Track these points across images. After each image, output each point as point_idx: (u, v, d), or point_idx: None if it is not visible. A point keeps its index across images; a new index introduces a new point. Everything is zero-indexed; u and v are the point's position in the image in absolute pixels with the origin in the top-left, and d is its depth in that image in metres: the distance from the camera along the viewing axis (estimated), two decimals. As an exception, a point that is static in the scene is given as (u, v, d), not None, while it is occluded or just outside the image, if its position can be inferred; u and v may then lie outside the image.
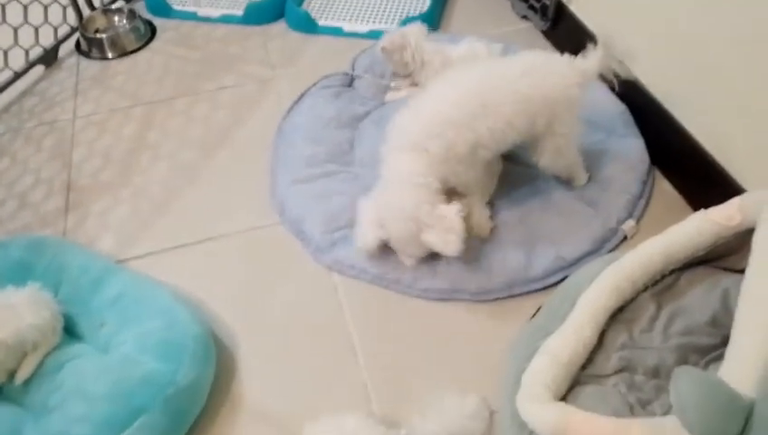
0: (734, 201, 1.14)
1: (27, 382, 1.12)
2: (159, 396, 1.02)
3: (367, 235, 1.23)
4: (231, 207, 1.45)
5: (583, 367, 1.07)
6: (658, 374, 1.06)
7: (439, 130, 1.16)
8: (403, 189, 1.17)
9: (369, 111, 1.62)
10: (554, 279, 1.24)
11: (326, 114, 1.58)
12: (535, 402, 0.97)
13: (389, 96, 1.65)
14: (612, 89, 1.38)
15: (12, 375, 1.13)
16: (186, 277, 1.30)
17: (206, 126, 1.66)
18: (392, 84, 1.66)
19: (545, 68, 1.23)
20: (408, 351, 1.18)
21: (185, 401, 1.05)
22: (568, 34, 1.74)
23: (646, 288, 1.15)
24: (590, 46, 1.27)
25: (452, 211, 1.16)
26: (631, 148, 1.43)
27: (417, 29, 1.60)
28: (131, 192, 1.50)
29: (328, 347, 1.20)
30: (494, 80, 1.20)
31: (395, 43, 1.56)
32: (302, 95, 1.68)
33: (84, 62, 1.92)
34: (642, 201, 1.36)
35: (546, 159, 1.29)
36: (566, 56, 1.27)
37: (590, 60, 1.26)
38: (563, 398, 1.01)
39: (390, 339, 1.20)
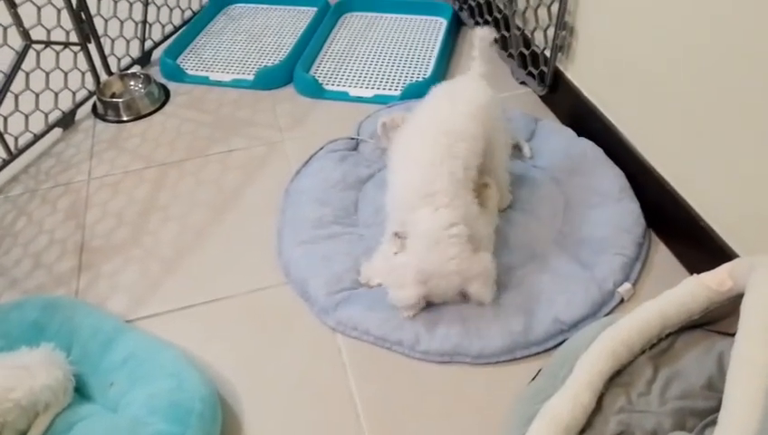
0: (725, 267, 1.17)
1: (37, 443, 1.15)
2: (167, 458, 1.05)
3: (410, 295, 1.26)
4: (238, 268, 1.49)
5: (582, 431, 1.08)
6: (656, 439, 1.08)
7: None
8: (441, 245, 1.22)
9: (372, 174, 1.68)
10: (554, 342, 1.27)
11: (332, 177, 1.64)
12: (535, 469, 0.99)
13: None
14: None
15: (22, 435, 1.15)
16: (193, 338, 1.33)
17: (216, 187, 1.72)
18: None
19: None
20: (410, 412, 1.20)
21: (191, 463, 1.07)
22: (565, 100, 1.81)
23: (643, 351, 1.17)
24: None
25: (488, 259, 1.26)
26: (627, 211, 1.47)
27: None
28: (142, 253, 1.55)
29: (331, 409, 1.22)
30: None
31: (395, 121, 1.62)
32: (310, 158, 1.74)
33: (100, 124, 2.00)
34: (638, 264, 1.39)
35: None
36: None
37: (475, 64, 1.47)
38: (563, 463, 1.03)
39: (392, 400, 1.23)
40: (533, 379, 1.19)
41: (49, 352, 1.20)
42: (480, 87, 1.43)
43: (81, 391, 1.24)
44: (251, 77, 2.11)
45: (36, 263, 1.54)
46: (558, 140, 1.69)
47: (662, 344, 1.19)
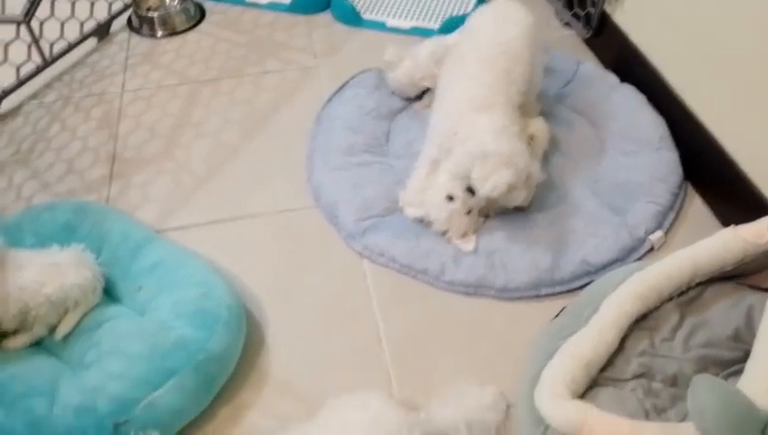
0: (765, 220, 1.15)
1: (66, 338, 1.18)
2: (191, 360, 1.07)
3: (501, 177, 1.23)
4: (268, 188, 1.49)
5: (602, 369, 1.09)
6: (676, 383, 1.08)
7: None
8: (506, 138, 1.25)
9: (405, 106, 1.65)
10: (580, 283, 1.27)
11: (366, 105, 1.62)
12: (554, 398, 1.00)
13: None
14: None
15: (52, 330, 1.18)
16: (220, 251, 1.34)
17: (249, 108, 1.70)
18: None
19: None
20: (431, 340, 1.22)
21: (215, 367, 1.10)
22: (610, 44, 1.75)
23: (670, 298, 1.16)
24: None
25: (537, 165, 1.31)
26: (664, 160, 1.44)
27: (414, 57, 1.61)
28: (173, 166, 1.55)
29: (353, 330, 1.24)
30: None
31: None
32: (343, 85, 1.71)
33: (135, 38, 1.98)
34: (672, 214, 1.37)
35: None
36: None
37: None
38: (581, 397, 1.04)
39: (414, 327, 1.24)
40: (557, 316, 1.19)
41: (79, 253, 1.23)
42: (525, 11, 1.42)
43: (109, 294, 1.26)
44: (288, 0, 2.06)
45: (69, 168, 1.55)
46: (599, 84, 1.64)
47: (691, 293, 1.18)
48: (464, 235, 1.31)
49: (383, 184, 1.42)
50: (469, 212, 1.30)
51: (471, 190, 1.27)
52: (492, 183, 1.22)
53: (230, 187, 1.50)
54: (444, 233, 1.31)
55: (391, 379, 1.16)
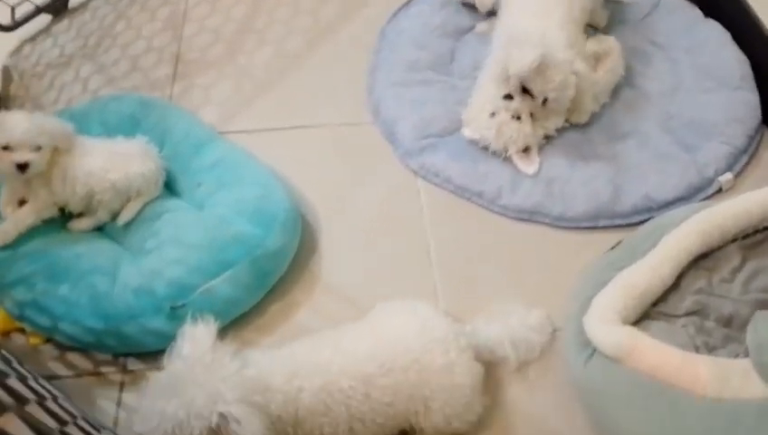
0: None
1: (127, 226, 1.22)
2: (248, 255, 1.10)
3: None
4: (328, 100, 1.48)
5: (654, 304, 1.07)
6: (730, 324, 1.06)
7: None
8: (545, 30, 1.25)
9: (473, 25, 1.59)
10: (640, 218, 1.23)
11: (432, 22, 1.57)
12: (603, 323, 0.99)
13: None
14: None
15: (114, 217, 1.23)
16: (278, 158, 1.35)
17: (314, 18, 1.67)
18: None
19: None
20: (481, 261, 1.22)
21: (269, 264, 1.13)
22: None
23: (734, 240, 1.13)
24: None
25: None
26: (744, 101, 1.36)
27: None
28: (236, 70, 1.55)
29: (404, 244, 1.24)
30: None
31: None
32: (410, 0, 1.66)
33: (203, -59, 1.94)
34: (745, 157, 1.31)
35: None
36: None
37: None
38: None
39: (465, 247, 1.23)
40: (612, 248, 1.16)
41: (144, 144, 1.25)
42: None
43: (169, 188, 1.29)
44: None
45: (133, 65, 1.57)
46: (681, 17, 1.54)
47: (757, 237, 1.13)
48: (524, 149, 1.27)
49: (445, 103, 1.40)
50: (519, 118, 1.26)
51: (509, 96, 1.24)
52: (519, 58, 1.18)
53: (290, 96, 1.50)
54: (503, 154, 1.29)
55: (438, 294, 1.17)
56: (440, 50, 1.52)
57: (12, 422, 0.50)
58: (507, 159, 1.29)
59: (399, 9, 1.64)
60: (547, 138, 1.32)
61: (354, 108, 1.46)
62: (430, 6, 1.62)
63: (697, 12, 1.55)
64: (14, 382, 0.71)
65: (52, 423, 0.60)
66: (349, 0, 1.71)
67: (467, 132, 1.32)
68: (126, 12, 1.71)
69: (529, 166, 1.28)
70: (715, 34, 1.48)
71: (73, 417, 0.77)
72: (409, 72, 1.47)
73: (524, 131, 1.26)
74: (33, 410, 0.45)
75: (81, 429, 0.69)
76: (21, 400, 0.58)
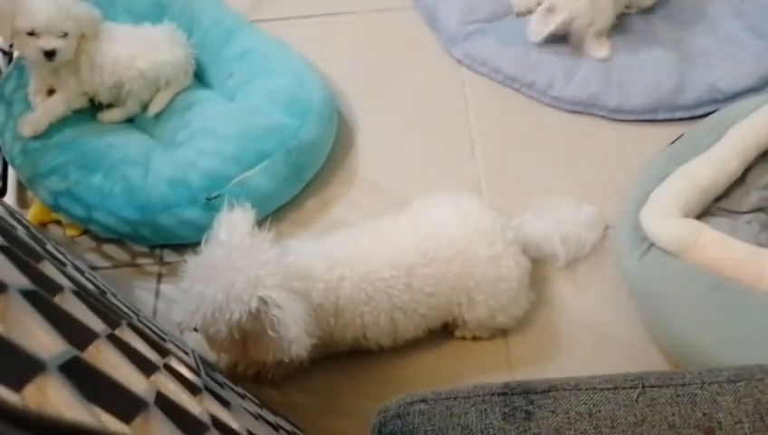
0: None
1: (158, 117, 1.17)
2: (283, 146, 1.05)
3: None
4: (364, -15, 1.38)
5: (717, 199, 1.00)
6: (799, 221, 0.99)
7: None
8: None
9: None
10: (704, 110, 1.14)
11: None
12: (662, 217, 0.92)
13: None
14: None
15: (145, 108, 1.18)
16: (312, 47, 1.27)
17: None
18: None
19: None
20: (529, 155, 1.15)
21: (305, 155, 1.08)
22: None
23: (808, 134, 1.03)
24: None
25: None
26: (829, -19, 1.22)
27: None
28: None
29: (446, 137, 1.18)
30: None
31: None
32: None
33: None
34: (828, 44, 1.18)
35: None
36: None
37: None
38: (692, 221, 0.96)
39: (512, 141, 1.16)
40: (673, 142, 1.08)
41: (172, 31, 1.18)
42: None
43: (199, 78, 1.23)
44: None
45: (158, -49, 1.47)
46: None
47: (834, 129, 1.04)
48: (596, 27, 1.16)
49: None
50: None
51: None
52: None
53: (323, -20, 1.39)
54: (579, 37, 1.18)
55: (482, 189, 1.11)
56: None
57: (126, 333, 0.48)
58: (577, 46, 1.19)
59: None
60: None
61: (393, -8, 1.36)
62: None
63: None
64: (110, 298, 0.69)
65: (153, 336, 0.58)
66: None
67: (535, 21, 1.20)
68: None
69: (602, 49, 1.17)
70: None
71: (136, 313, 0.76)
72: (454, -50, 1.35)
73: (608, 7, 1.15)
74: (68, 296, 0.42)
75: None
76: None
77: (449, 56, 1.26)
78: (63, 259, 0.74)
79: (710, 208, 1.00)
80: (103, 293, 0.69)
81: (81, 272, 0.74)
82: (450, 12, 1.27)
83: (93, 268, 1.07)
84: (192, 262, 0.80)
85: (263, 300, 0.76)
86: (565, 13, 1.15)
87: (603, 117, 1.16)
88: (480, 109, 1.20)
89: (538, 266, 1.00)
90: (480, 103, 1.21)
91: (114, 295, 0.78)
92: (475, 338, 0.95)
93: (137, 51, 1.13)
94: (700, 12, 1.23)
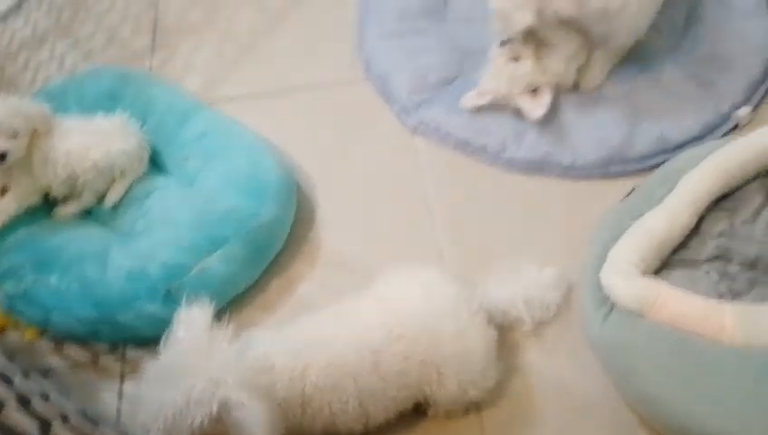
0: None
1: (115, 208, 1.17)
2: (242, 229, 1.04)
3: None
4: (316, 59, 1.40)
5: (675, 251, 1.01)
6: (755, 267, 1.00)
7: None
8: None
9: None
10: (654, 161, 1.16)
11: (421, -35, 1.47)
12: (622, 276, 0.93)
13: None
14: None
15: (101, 199, 1.17)
16: (268, 124, 1.28)
17: (295, -28, 1.58)
18: None
19: None
20: (488, 219, 1.16)
21: (265, 236, 1.07)
22: None
23: (756, 177, 1.06)
24: None
25: None
26: (759, 29, 1.28)
27: None
28: (217, 35, 1.47)
29: (404, 206, 1.18)
30: None
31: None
32: (396, -55, 1.56)
33: None
34: (763, 87, 1.23)
35: None
36: None
37: None
38: (651, 277, 0.97)
39: (469, 206, 1.17)
40: (627, 195, 1.10)
41: (124, 120, 1.19)
42: None
43: (156, 164, 1.23)
44: None
45: (110, 37, 1.49)
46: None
47: (780, 172, 1.07)
48: (531, 89, 1.18)
49: (441, 52, 1.32)
50: (518, 59, 1.18)
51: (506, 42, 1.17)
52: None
53: (276, 57, 1.42)
54: (509, 100, 1.21)
55: (443, 256, 1.12)
56: (432, -6, 1.43)
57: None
58: (514, 109, 1.21)
59: (385, -46, 1.54)
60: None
61: (344, 65, 1.38)
62: (418, -51, 1.52)
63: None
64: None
65: (31, 426, 0.56)
66: (331, -53, 1.62)
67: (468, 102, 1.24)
68: (98, -20, 1.62)
69: (535, 108, 1.17)
70: (725, -42, 1.38)
71: (63, 414, 0.73)
72: (401, 21, 1.39)
73: (523, 70, 1.17)
74: (10, 413, 0.40)
75: (72, 426, 0.65)
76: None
77: (403, 125, 1.28)
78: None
79: (669, 261, 1.01)
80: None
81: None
82: (401, 82, 1.29)
83: (53, 372, 1.03)
84: (151, 365, 0.79)
85: (224, 402, 0.74)
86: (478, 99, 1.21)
87: (557, 175, 1.18)
88: (437, 175, 1.22)
89: (505, 333, 1.00)
90: (436, 170, 1.22)
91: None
92: (448, 415, 0.94)
93: (89, 143, 1.14)
94: (642, 65, 1.27)
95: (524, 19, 1.10)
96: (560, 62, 1.18)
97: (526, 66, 1.16)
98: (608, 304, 0.94)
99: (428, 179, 1.21)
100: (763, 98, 1.23)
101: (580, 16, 1.13)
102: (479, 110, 1.23)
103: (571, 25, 1.15)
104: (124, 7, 1.54)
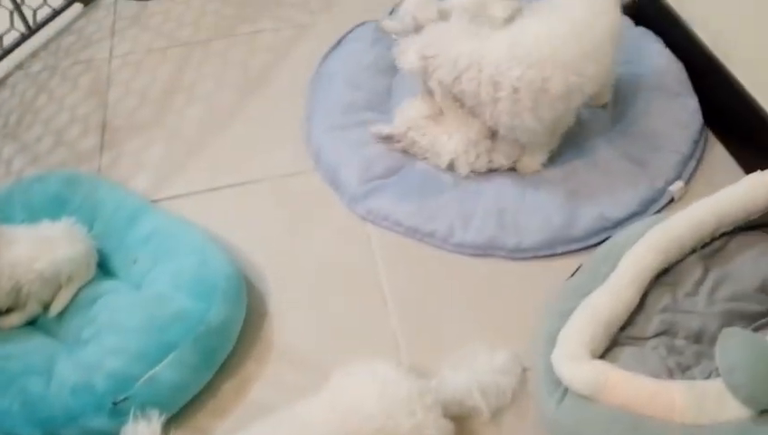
0: (794, 164, 1.08)
1: (61, 315, 1.14)
2: (191, 333, 1.02)
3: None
4: (266, 152, 1.43)
5: (622, 328, 1.03)
6: (701, 340, 1.03)
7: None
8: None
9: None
10: (596, 239, 1.20)
11: (364, 60, 1.54)
12: (572, 360, 0.94)
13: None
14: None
15: (47, 307, 1.14)
16: (218, 220, 1.29)
17: (243, 69, 1.63)
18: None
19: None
20: (440, 304, 1.16)
21: (215, 339, 1.05)
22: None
23: (693, 251, 1.10)
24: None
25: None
26: (684, 106, 1.36)
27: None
28: (166, 133, 1.49)
29: (358, 296, 1.18)
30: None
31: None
32: (340, 41, 1.63)
33: (122, 1, 1.89)
34: (693, 162, 1.30)
35: None
36: None
37: None
38: (601, 357, 0.98)
39: (422, 291, 1.18)
40: (573, 274, 1.13)
41: (71, 226, 1.18)
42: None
43: (103, 268, 1.22)
44: (281, -45, 1.96)
45: (58, 140, 1.49)
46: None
47: (715, 244, 1.11)
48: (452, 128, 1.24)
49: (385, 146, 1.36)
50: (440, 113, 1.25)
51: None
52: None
53: (225, 152, 1.44)
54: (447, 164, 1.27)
55: (399, 345, 1.11)
56: (376, 88, 1.49)
57: None
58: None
59: (330, 51, 1.61)
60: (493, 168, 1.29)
61: (294, 158, 1.41)
62: (361, 45, 1.59)
63: (627, 20, 1.55)
64: None
65: None
66: (278, 47, 1.68)
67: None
68: (47, 84, 1.64)
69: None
70: (649, 43, 1.48)
71: None
72: (346, 114, 1.43)
73: (455, 124, 1.24)
74: None
75: None
76: None
77: (354, 214, 1.30)
78: None
79: (617, 339, 1.03)
80: None
81: None
82: (350, 172, 1.32)
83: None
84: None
85: None
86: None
87: (505, 257, 1.21)
88: (388, 262, 1.23)
89: (463, 423, 0.99)
90: (388, 256, 1.24)
91: None
92: None
93: (35, 252, 1.12)
94: (578, 146, 1.33)
95: (411, 60, 1.18)
96: (459, 142, 1.23)
97: (453, 118, 1.23)
98: (561, 389, 0.95)
99: (381, 266, 1.22)
100: (693, 172, 1.29)
101: (458, 93, 1.19)
102: (384, 141, 1.30)
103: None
104: (72, 109, 1.56)
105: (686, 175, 1.28)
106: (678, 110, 1.35)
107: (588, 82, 1.17)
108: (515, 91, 1.11)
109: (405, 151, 1.33)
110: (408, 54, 1.21)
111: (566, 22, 1.17)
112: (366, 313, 1.16)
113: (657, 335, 1.03)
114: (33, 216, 1.22)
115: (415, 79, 1.26)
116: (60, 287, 1.14)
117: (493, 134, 1.21)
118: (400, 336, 1.12)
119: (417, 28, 1.43)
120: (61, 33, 1.79)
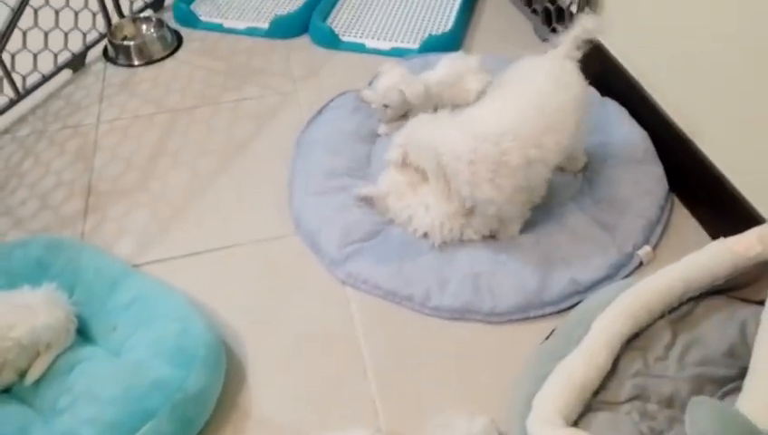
0: (754, 231, 1.13)
1: (38, 383, 1.13)
2: (168, 402, 1.02)
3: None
4: (248, 217, 1.46)
5: (596, 393, 1.05)
6: (672, 404, 1.05)
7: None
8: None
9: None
10: (569, 303, 1.23)
11: (345, 128, 1.59)
12: (547, 426, 0.96)
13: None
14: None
15: (23, 375, 1.13)
16: (200, 285, 1.30)
17: (227, 135, 1.67)
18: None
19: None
20: (419, 368, 1.18)
21: (193, 408, 1.05)
22: (589, 57, 1.73)
23: (662, 315, 1.13)
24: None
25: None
26: (649, 173, 1.42)
27: (400, 74, 1.55)
28: (150, 198, 1.51)
29: (338, 361, 1.19)
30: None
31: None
32: (322, 109, 1.69)
33: (111, 68, 1.95)
34: (659, 227, 1.35)
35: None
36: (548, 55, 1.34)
37: (565, 44, 1.33)
38: (575, 423, 1.00)
39: (401, 355, 1.20)
40: (547, 338, 1.15)
41: (51, 292, 1.18)
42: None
43: (83, 334, 1.22)
44: (266, 25, 2.04)
45: (42, 204, 1.51)
46: (581, 98, 1.62)
47: (683, 309, 1.15)
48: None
49: (365, 208, 1.39)
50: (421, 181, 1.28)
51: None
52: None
53: (207, 217, 1.47)
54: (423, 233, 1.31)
55: (378, 411, 1.12)
56: (356, 155, 1.54)
57: None
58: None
59: (312, 118, 1.67)
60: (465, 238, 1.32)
61: (275, 222, 1.44)
62: (342, 112, 1.65)
63: (593, 91, 1.63)
64: None
65: None
66: (262, 114, 1.73)
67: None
68: (33, 148, 1.67)
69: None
70: (614, 112, 1.56)
71: None
72: (327, 179, 1.47)
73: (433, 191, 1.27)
74: None
75: None
76: None
77: (334, 278, 1.32)
78: None
79: (591, 403, 1.04)
80: None
81: None
82: (329, 236, 1.35)
83: None
84: None
85: None
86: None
87: (481, 320, 1.23)
88: (367, 326, 1.24)
89: (441, 492, 0.99)
90: (367, 320, 1.25)
91: None
92: None
93: (13, 320, 1.11)
94: (550, 211, 1.38)
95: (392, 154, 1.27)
96: (436, 216, 1.28)
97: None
98: (537, 455, 0.96)
99: (360, 330, 1.24)
100: (660, 237, 1.34)
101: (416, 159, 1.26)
102: (364, 202, 1.32)
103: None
104: (58, 173, 1.58)
105: (653, 239, 1.32)
106: (644, 177, 1.41)
107: (550, 154, 1.22)
108: (471, 163, 1.16)
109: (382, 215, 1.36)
110: (392, 150, 1.31)
111: (529, 95, 1.23)
112: (345, 379, 1.17)
113: (629, 400, 1.05)
114: (13, 281, 1.23)
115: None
116: (37, 354, 1.13)
117: (469, 209, 1.25)
118: (379, 403, 1.13)
119: (405, 102, 1.52)
120: (49, 98, 1.83)
